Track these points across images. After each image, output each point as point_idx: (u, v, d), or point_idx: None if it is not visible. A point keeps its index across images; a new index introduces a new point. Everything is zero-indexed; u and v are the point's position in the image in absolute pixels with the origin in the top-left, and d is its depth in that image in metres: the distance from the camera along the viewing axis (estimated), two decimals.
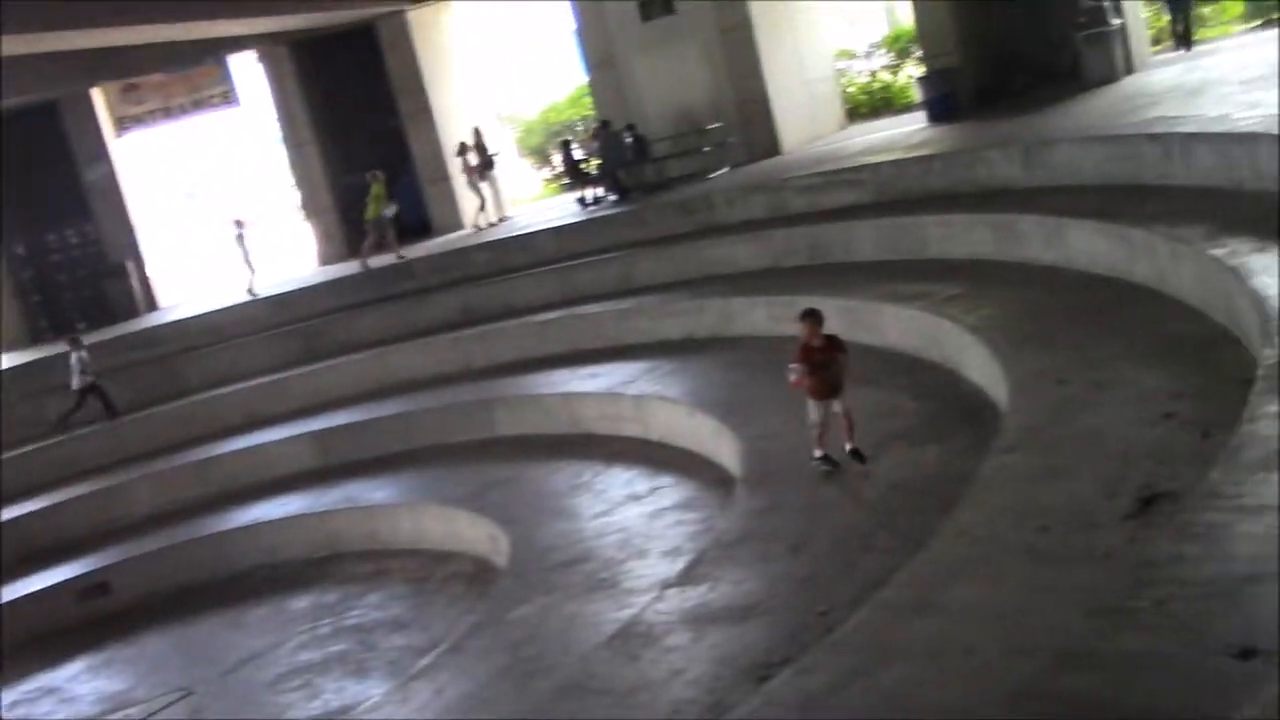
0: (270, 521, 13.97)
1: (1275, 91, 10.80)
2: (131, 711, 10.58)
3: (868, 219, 14.41)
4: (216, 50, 23.19)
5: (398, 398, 16.15)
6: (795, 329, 8.76)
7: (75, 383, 17.17)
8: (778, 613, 7.17)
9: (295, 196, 26.06)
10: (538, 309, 16.93)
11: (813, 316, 8.54)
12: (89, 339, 19.11)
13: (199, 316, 20.78)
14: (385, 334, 18.06)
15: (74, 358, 17.20)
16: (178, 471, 15.75)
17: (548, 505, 11.85)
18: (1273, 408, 5.54)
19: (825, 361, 8.46)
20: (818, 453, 8.74)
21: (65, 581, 13.72)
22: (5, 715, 11.39)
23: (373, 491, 13.85)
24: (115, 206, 24.44)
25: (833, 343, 8.55)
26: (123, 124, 24.89)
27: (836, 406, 8.58)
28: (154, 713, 10.44)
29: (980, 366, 9.51)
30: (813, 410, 8.66)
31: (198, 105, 25.21)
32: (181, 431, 16.91)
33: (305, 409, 16.65)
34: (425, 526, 12.77)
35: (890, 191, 14.84)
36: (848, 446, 8.64)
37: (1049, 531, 5.86)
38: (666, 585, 8.37)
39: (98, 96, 24.43)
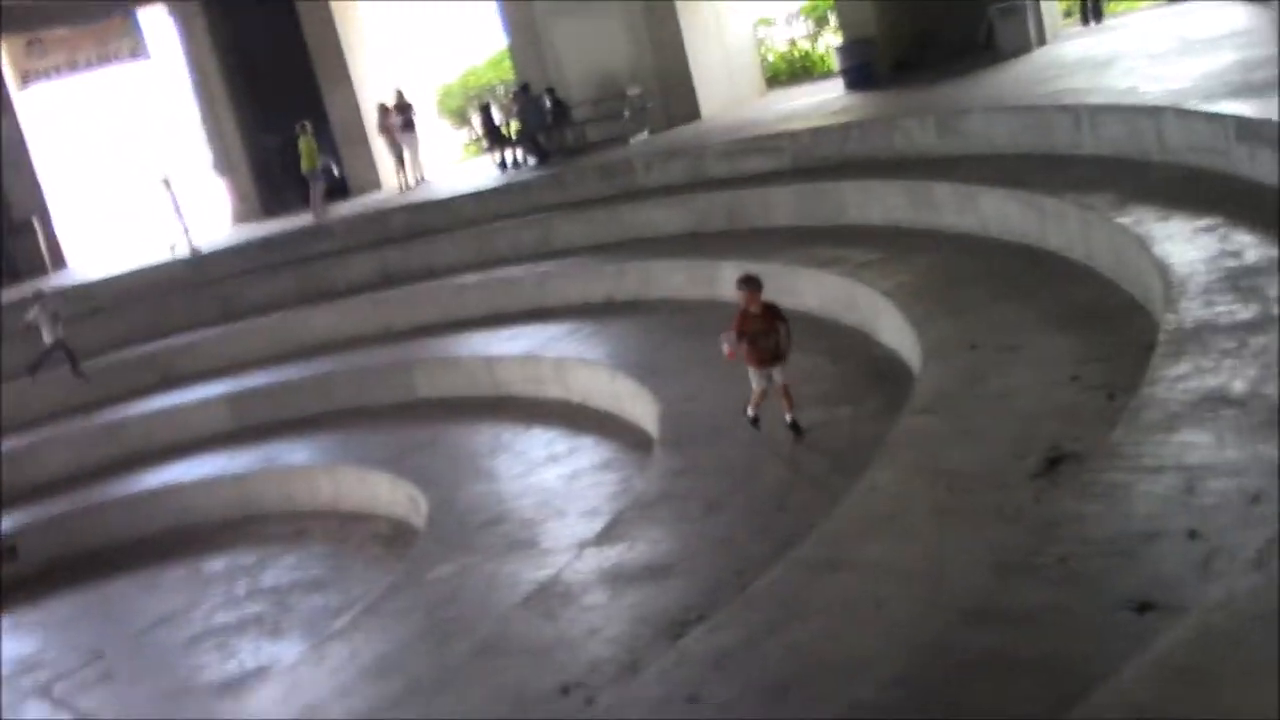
0: (184, 483, 13.82)
1: (1179, 65, 11.10)
2: (41, 674, 10.42)
3: (787, 184, 14.54)
4: (124, 3, 22.62)
5: (316, 359, 16.00)
6: (734, 296, 8.72)
7: (48, 336, 16.72)
8: (694, 572, 7.27)
9: (207, 154, 25.56)
10: (457, 271, 16.88)
11: (751, 284, 8.39)
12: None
13: (113, 277, 20.35)
14: (303, 295, 17.88)
15: (42, 311, 16.80)
16: (88, 433, 15.49)
17: (467, 467, 11.86)
18: (1172, 371, 5.75)
19: (764, 330, 8.32)
20: (750, 411, 8.69)
21: None
22: None
23: (290, 453, 13.74)
24: (20, 162, 23.79)
25: (771, 311, 8.40)
26: (26, 77, 24.20)
27: (777, 375, 8.47)
28: (65, 675, 10.29)
29: (894, 330, 9.68)
30: (754, 379, 8.55)
31: (105, 59, 24.59)
32: (91, 393, 16.58)
33: (221, 370, 16.45)
34: (344, 488, 12.71)
35: (808, 158, 14.97)
36: (788, 418, 8.55)
37: (958, 491, 6.02)
38: (584, 545, 8.45)
39: (1, 50, 23.74)
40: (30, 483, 14.73)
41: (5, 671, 10.81)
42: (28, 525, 13.64)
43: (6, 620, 12.20)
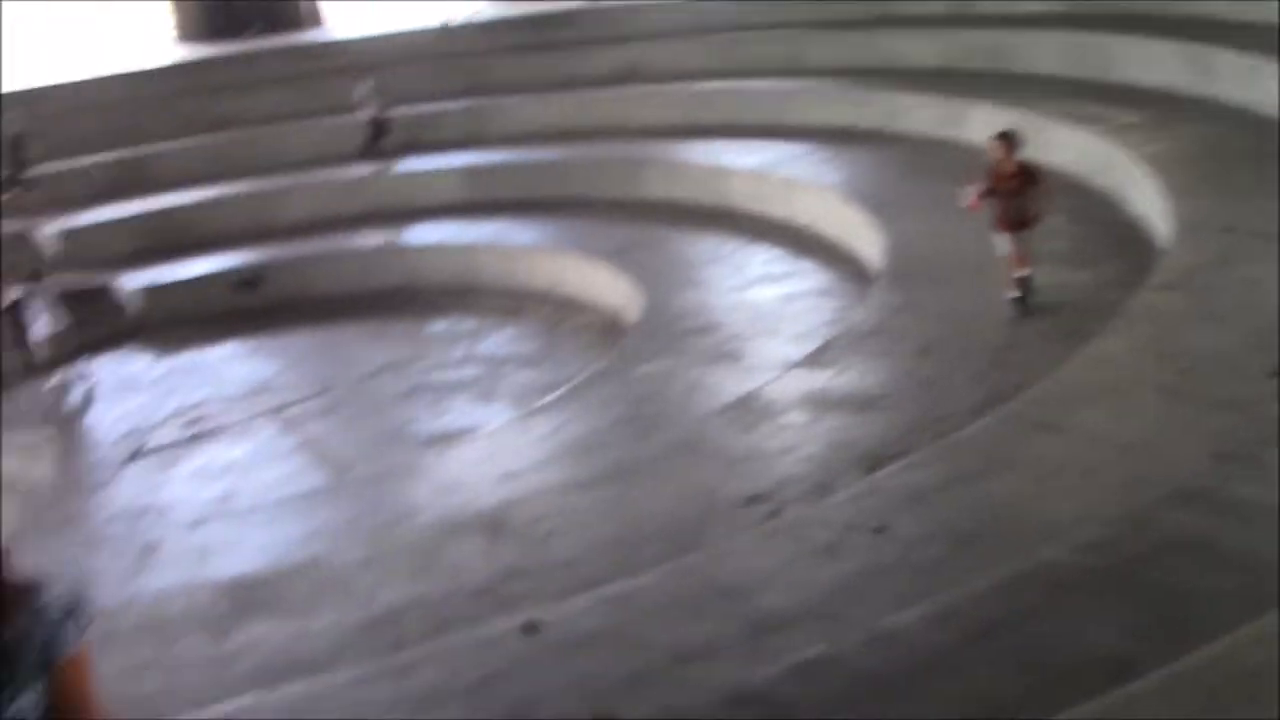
0: (416, 246, 14.42)
1: None
2: (272, 398, 11.26)
3: (1056, 30, 13.81)
4: None
5: (554, 145, 16.25)
6: (981, 142, 8.41)
7: (368, 114, 16.63)
8: (898, 409, 7.31)
9: None
10: (701, 77, 16.70)
11: (1007, 139, 7.90)
12: (262, 43, 19.36)
13: (368, 38, 20.83)
14: (549, 80, 17.97)
15: (369, 90, 16.66)
16: (330, 185, 16.19)
17: (685, 272, 12.02)
18: None
19: (1015, 190, 7.82)
20: (1013, 292, 8.11)
21: (221, 272, 14.39)
22: (160, 385, 12.23)
23: (517, 233, 14.13)
24: None
25: (1027, 172, 7.87)
26: None
27: (1022, 241, 7.96)
28: (293, 403, 11.10)
29: (1146, 200, 9.26)
30: (999, 244, 8.08)
31: None
32: (335, 147, 17.20)
33: (461, 142, 16.85)
34: (564, 274, 13.05)
35: (1085, 5, 14.15)
36: (1019, 274, 8.07)
37: (1189, 374, 5.85)
38: (791, 366, 8.56)
39: None
40: (278, 223, 15.58)
41: (240, 391, 11.70)
42: (271, 261, 14.50)
43: (246, 345, 13.15)
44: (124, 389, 12.31)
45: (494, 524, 6.50)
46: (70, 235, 15.35)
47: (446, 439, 9.79)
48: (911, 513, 5.42)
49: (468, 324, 12.80)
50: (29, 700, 2.15)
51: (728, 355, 9.63)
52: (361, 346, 12.71)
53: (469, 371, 11.49)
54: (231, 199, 16.10)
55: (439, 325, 12.94)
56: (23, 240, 14.95)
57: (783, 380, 8.15)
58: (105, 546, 8.41)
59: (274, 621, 5.76)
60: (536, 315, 12.75)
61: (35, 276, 12.17)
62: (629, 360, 9.91)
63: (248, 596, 6.03)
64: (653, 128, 15.76)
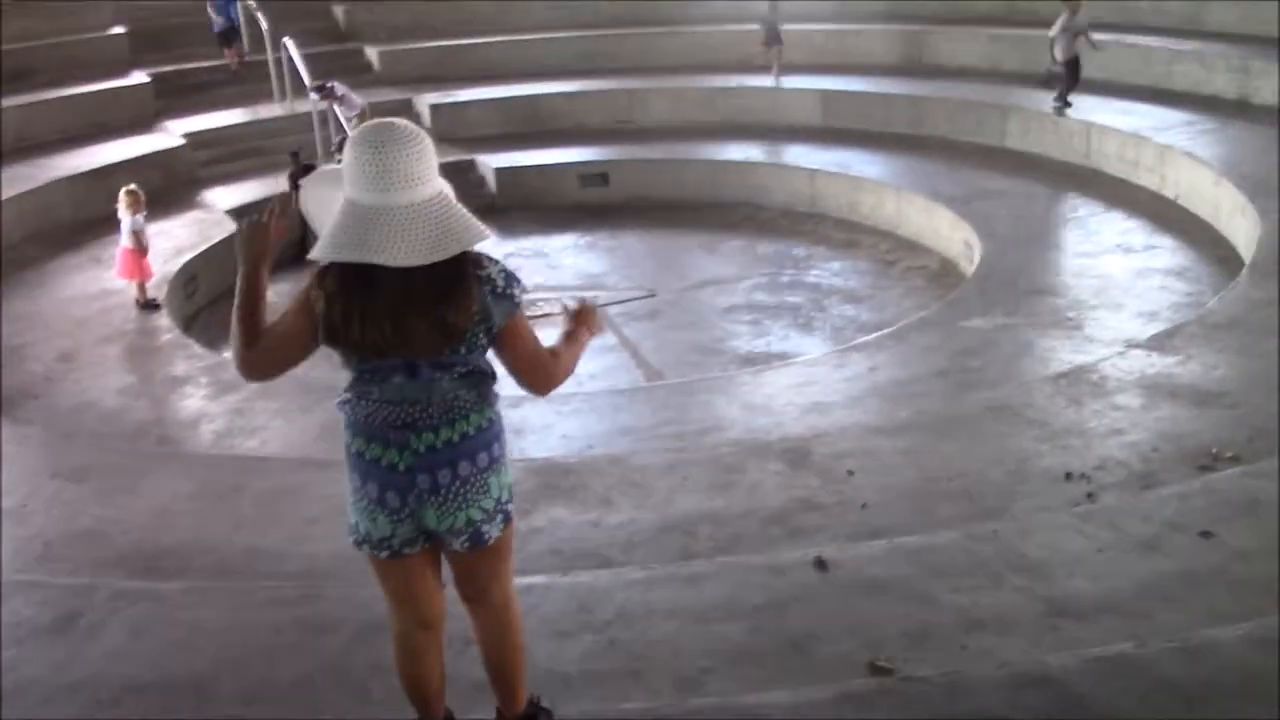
0: (763, 164, 14.43)
1: None
2: (601, 294, 11.62)
3: None
4: None
5: (918, 79, 15.82)
6: None
7: (1061, 54, 13.37)
8: (1241, 410, 6.79)
9: None
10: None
11: None
12: None
13: None
14: (928, 13, 17.40)
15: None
16: (689, 93, 16.37)
17: (1033, 229, 11.54)
18: None
19: None
20: None
21: (573, 164, 14.91)
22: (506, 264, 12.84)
23: (865, 164, 13.91)
24: None
25: None
26: None
27: None
28: (620, 301, 11.42)
29: None
30: None
31: None
32: (700, 57, 17.37)
33: (823, 66, 16.65)
34: (905, 213, 12.78)
35: None
36: None
37: None
38: (1132, 344, 8.10)
39: None
40: (631, 125, 15.97)
41: (573, 282, 12.14)
42: (621, 160, 14.89)
43: (585, 238, 13.61)
44: None
45: (797, 453, 6.50)
46: (437, 109, 16.25)
47: (761, 361, 9.84)
48: (1243, 522, 5.05)
49: (800, 250, 12.76)
50: (483, 344, 2.79)
51: (1064, 322, 9.20)
52: (693, 256, 12.90)
53: (793, 298, 11.46)
54: (597, 94, 16.55)
55: (771, 247, 12.95)
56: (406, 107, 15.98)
57: (1121, 358, 7.71)
58: None
59: (573, 508, 5.99)
60: (871, 252, 12.56)
61: None
62: (959, 311, 9.63)
63: (552, 480, 6.28)
64: (1026, 73, 15.04)
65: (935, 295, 10.98)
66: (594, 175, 14.78)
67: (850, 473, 6.22)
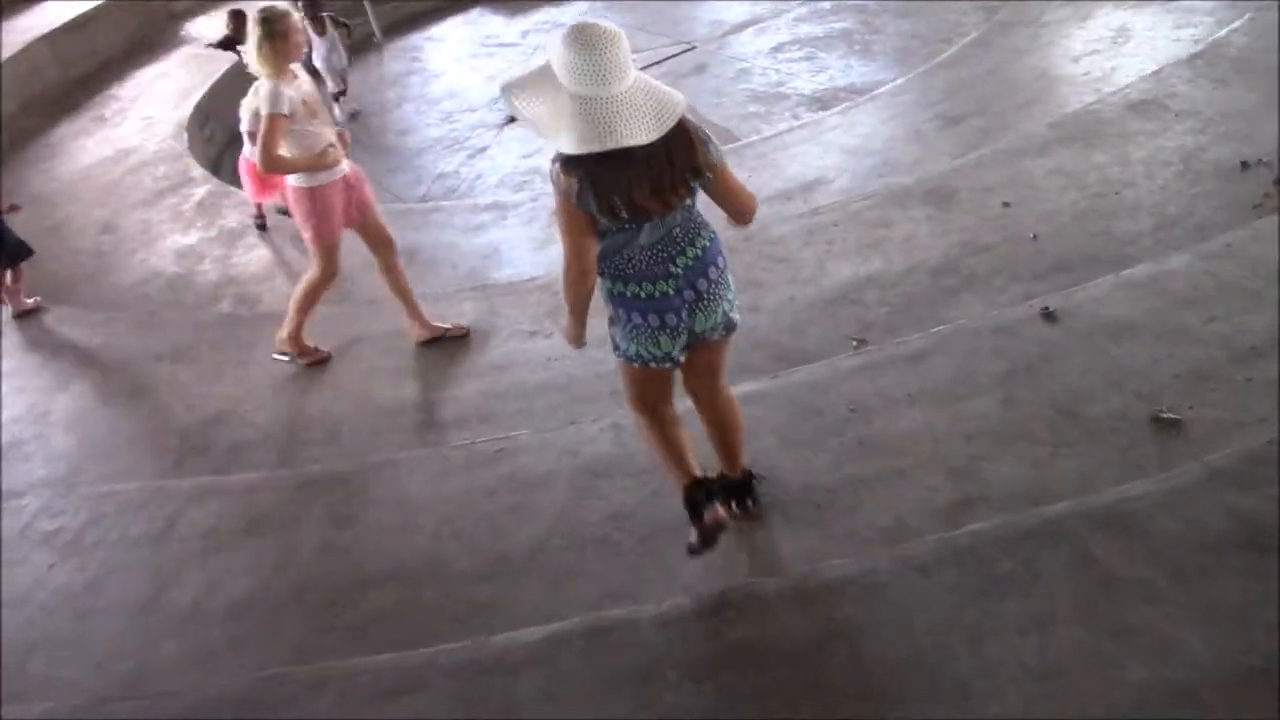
0: None
1: None
2: (638, 56, 10.89)
3: None
4: None
5: None
6: None
7: None
8: None
9: None
10: None
11: None
12: None
13: None
14: None
15: None
16: None
17: None
18: None
19: None
20: None
21: None
22: (520, 41, 12.07)
23: None
24: None
25: None
26: None
27: None
28: (660, 61, 10.72)
29: None
30: None
31: None
32: None
33: None
34: None
35: None
36: None
37: None
38: None
39: None
40: None
41: None
42: None
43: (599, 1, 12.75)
44: (487, 50, 12.23)
45: (940, 194, 6.02)
46: None
47: (831, 99, 9.23)
48: None
49: None
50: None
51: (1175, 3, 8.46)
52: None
53: (842, 23, 10.71)
54: None
55: None
56: None
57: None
58: None
59: None
60: None
61: None
62: (1024, 16, 8.89)
63: None
64: None
65: None
66: None
67: (1006, 204, 5.77)
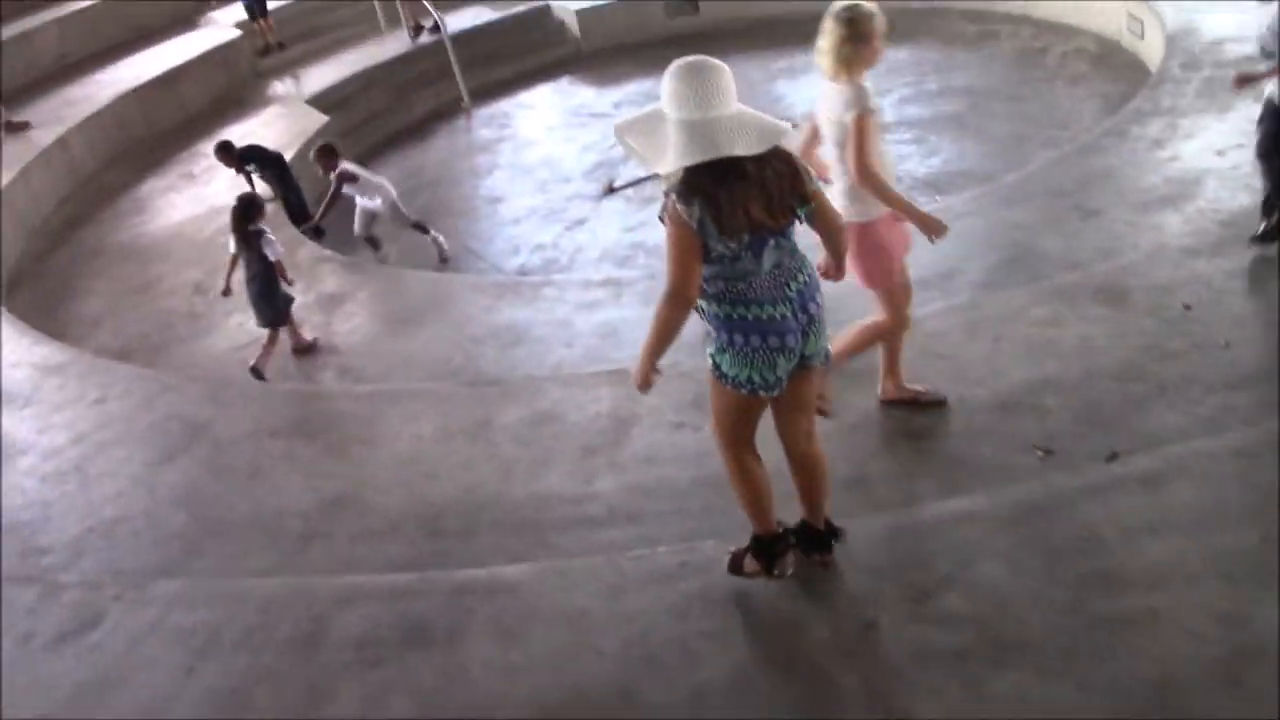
0: None
1: None
2: None
3: None
4: None
5: None
6: None
7: None
8: None
9: None
10: None
11: None
12: None
13: None
14: None
15: None
16: None
17: None
18: None
19: None
20: None
21: None
22: (612, 112, 11.87)
23: None
24: None
25: None
26: None
27: None
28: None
29: None
30: None
31: None
32: None
33: None
34: None
35: None
36: None
37: None
38: None
39: None
40: None
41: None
42: None
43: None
44: (579, 119, 12.03)
45: (1111, 291, 5.67)
46: None
47: (946, 183, 8.94)
48: None
49: (933, 53, 11.68)
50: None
51: None
52: (817, 76, 11.72)
53: (949, 106, 10.47)
54: None
55: (901, 53, 11.83)
56: None
57: None
58: None
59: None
60: (1013, 42, 11.49)
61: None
62: (1144, 106, 8.58)
63: (842, 370, 5.51)
64: None
65: (1108, 81, 9.96)
66: (682, 3, 13.60)
67: (1187, 306, 5.40)
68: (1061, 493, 3.93)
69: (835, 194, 4.44)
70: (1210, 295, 5.48)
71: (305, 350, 7.67)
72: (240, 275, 7.58)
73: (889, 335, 4.88)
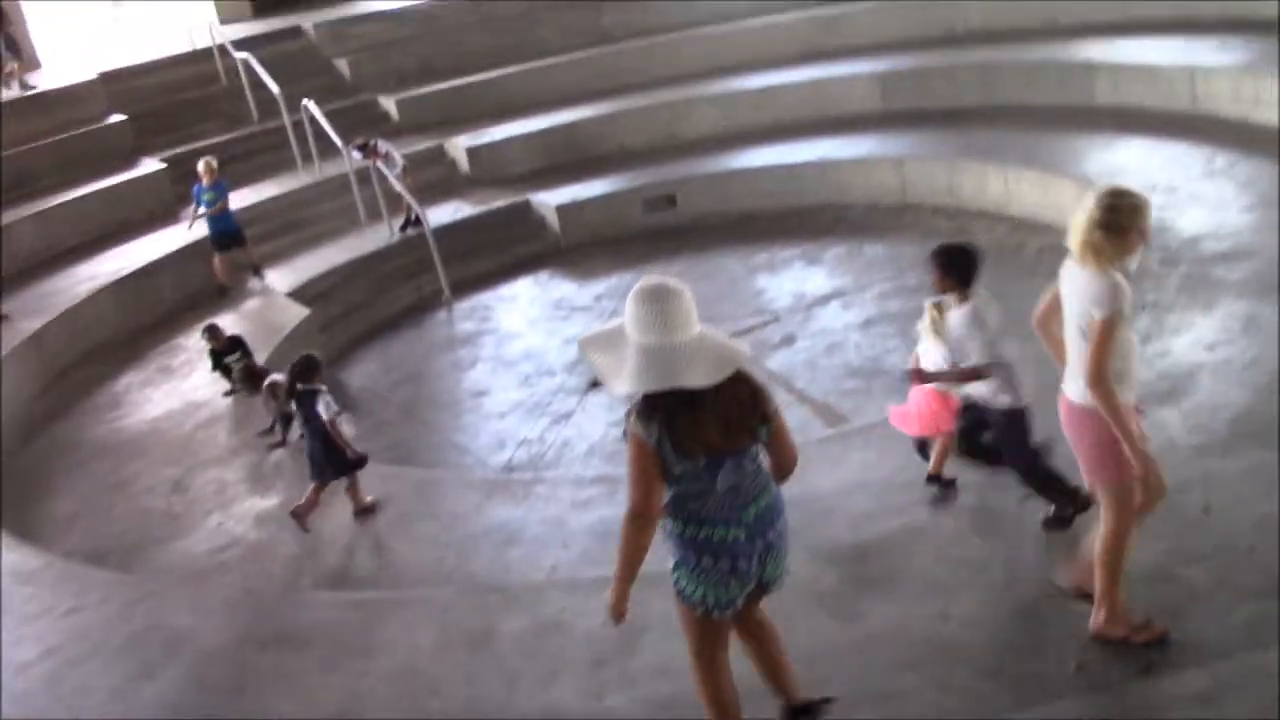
0: (838, 160, 13.50)
1: None
2: (721, 326, 10.68)
3: None
4: None
5: (971, 47, 14.97)
6: None
7: None
8: None
9: None
10: None
11: None
12: None
13: None
14: None
15: None
16: (736, 98, 15.42)
17: (1176, 184, 10.56)
18: None
19: None
20: None
21: (632, 189, 13.94)
22: (593, 305, 11.91)
23: (950, 143, 13.04)
24: None
25: None
26: None
27: None
28: (744, 331, 10.48)
29: None
30: None
31: None
32: (723, 59, 16.43)
33: (864, 47, 15.77)
34: (1016, 189, 11.91)
35: None
36: None
37: None
38: None
39: None
40: (681, 139, 15.01)
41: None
42: (683, 179, 13.94)
43: (672, 266, 12.59)
44: (560, 313, 12.06)
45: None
46: (473, 152, 15.28)
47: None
48: None
49: (912, 247, 11.82)
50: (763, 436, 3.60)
51: (1270, 287, 8.27)
52: (796, 270, 11.97)
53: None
54: (634, 112, 15.55)
55: (878, 248, 12.06)
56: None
57: None
58: None
59: (899, 601, 5.08)
60: (990, 237, 11.61)
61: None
62: (1141, 299, 8.67)
63: (859, 571, 5.39)
64: (1088, 25, 14.23)
65: None
66: (659, 199, 13.83)
67: (1206, 510, 5.31)
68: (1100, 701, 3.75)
69: (1070, 375, 4.30)
70: (1229, 497, 5.40)
71: (366, 511, 7.67)
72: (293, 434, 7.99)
73: (1125, 536, 4.40)
